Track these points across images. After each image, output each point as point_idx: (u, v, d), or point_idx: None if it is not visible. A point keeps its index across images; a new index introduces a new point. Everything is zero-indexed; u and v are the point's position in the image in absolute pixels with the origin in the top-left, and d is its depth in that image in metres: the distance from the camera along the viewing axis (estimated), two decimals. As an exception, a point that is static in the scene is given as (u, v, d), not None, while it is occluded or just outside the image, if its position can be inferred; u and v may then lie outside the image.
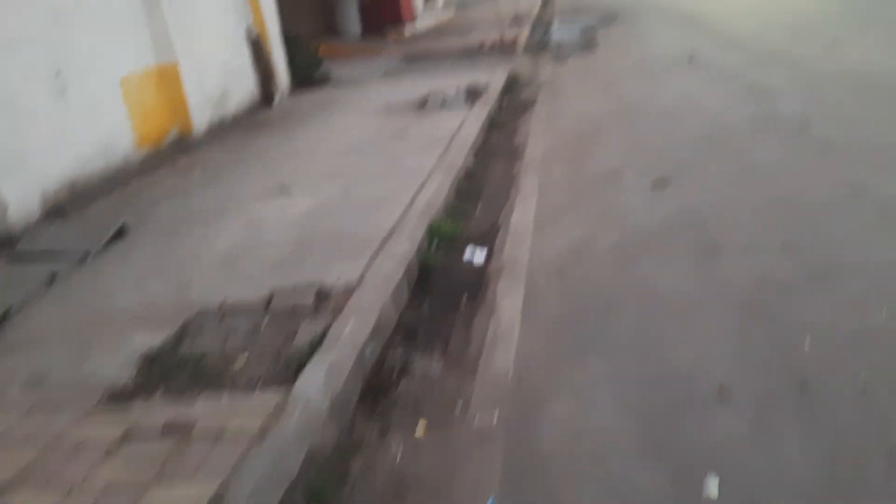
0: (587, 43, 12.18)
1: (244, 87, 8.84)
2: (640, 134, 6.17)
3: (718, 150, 5.36)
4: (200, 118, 7.60)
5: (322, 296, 3.43)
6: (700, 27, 11.89)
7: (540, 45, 12.91)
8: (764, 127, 5.74)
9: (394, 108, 7.98)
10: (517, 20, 16.23)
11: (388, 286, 3.48)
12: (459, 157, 5.76)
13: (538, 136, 6.60)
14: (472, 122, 6.92)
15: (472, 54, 12.07)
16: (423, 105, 7.93)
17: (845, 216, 3.87)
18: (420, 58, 12.53)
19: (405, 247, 3.95)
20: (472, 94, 8.13)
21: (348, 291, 3.43)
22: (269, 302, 3.45)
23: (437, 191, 4.90)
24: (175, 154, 7.00)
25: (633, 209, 4.46)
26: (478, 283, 3.78)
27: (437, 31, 16.86)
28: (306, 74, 10.34)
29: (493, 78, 9.02)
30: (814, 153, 4.94)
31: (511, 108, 8.02)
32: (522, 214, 4.70)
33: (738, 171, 4.83)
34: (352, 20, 16.50)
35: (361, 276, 3.59)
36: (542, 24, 16.68)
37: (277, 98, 9.31)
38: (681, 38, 10.96)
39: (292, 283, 3.59)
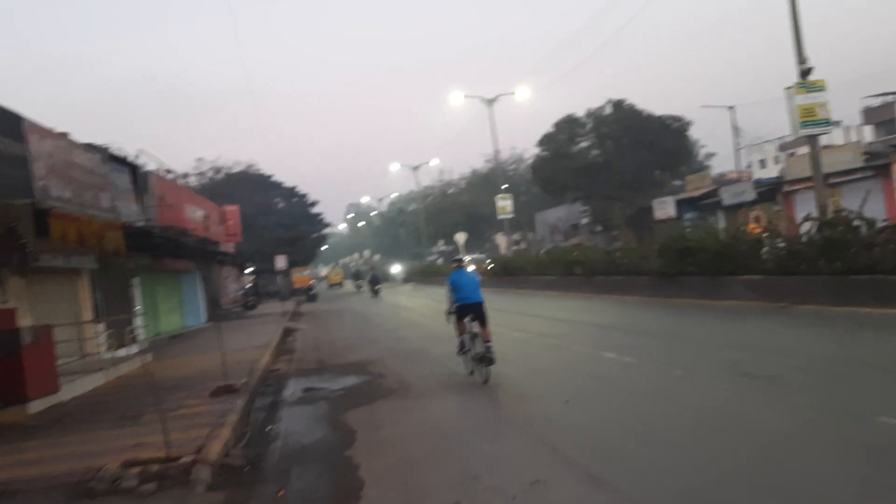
0: (339, 457, 6.48)
1: None
2: None
3: None
4: None
5: None
6: (542, 427, 6.97)
7: (250, 459, 6.83)
8: None
9: None
10: (228, 386, 10.35)
11: None
12: None
13: None
14: None
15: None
16: None
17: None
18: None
19: None
20: None
21: None
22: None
23: None
24: None
25: None
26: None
27: (89, 410, 10.04)
28: None
29: None
30: None
31: None
32: None
33: None
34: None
35: None
36: (267, 394, 10.94)
37: None
38: (527, 464, 5.81)
39: None
